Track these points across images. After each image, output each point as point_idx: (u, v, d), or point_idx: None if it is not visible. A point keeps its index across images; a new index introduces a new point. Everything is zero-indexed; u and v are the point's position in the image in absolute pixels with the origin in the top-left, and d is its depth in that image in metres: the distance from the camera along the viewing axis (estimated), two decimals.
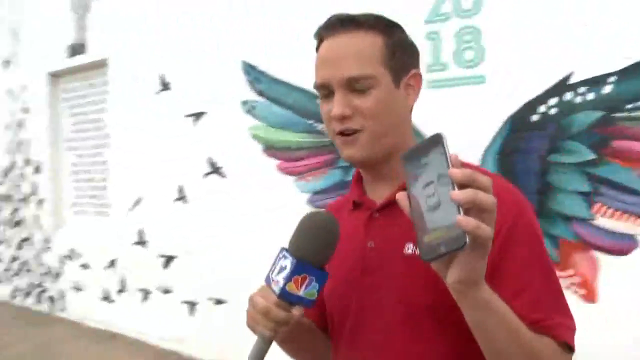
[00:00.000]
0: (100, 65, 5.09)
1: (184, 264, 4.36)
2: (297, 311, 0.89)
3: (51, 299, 5.82)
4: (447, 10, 2.88)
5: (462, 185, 0.65)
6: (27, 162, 6.03)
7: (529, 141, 2.68)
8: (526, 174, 2.70)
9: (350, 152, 0.99)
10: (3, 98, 6.25)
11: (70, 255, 5.52)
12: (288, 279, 0.86)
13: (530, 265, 0.90)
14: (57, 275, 5.71)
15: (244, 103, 3.82)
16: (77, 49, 5.30)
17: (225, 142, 3.96)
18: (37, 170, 5.90)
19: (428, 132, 2.83)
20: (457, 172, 0.66)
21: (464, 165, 0.80)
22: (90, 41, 5.16)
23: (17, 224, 6.28)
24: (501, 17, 2.71)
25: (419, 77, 1.03)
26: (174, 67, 4.33)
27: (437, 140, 0.69)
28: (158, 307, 4.61)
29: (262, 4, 3.74)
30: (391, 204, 0.96)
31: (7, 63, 6.23)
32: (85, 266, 5.36)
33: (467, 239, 0.64)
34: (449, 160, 0.67)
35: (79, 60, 5.29)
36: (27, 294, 6.17)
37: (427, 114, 2.89)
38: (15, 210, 6.28)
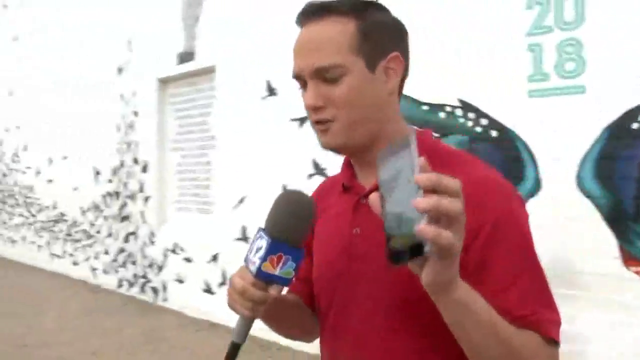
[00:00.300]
0: (208, 71, 5.64)
1: None
2: (274, 290, 0.92)
3: (154, 289, 6.42)
4: (549, 23, 3.14)
5: (429, 191, 0.65)
6: (135, 161, 6.69)
7: (628, 148, 2.89)
8: (624, 180, 2.92)
9: (324, 140, 1.00)
10: (115, 102, 6.95)
11: (174, 249, 6.09)
12: (263, 259, 0.89)
13: (516, 262, 0.91)
14: (161, 268, 6.30)
15: None
16: (185, 56, 5.87)
17: None
18: (145, 169, 6.54)
19: (529, 138, 3.12)
20: (421, 178, 0.65)
21: (450, 154, 0.96)
22: (199, 49, 5.71)
23: (124, 219, 6.96)
24: (602, 30, 2.95)
25: (399, 59, 0.99)
26: (279, 74, 4.77)
27: (405, 143, 0.69)
28: None
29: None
30: (373, 190, 1.00)
31: (120, 70, 6.93)
32: (187, 260, 5.90)
33: (427, 248, 0.65)
34: (415, 164, 0.67)
35: (188, 67, 5.85)
36: (132, 284, 6.82)
37: (528, 122, 3.17)
38: (123, 206, 6.96)
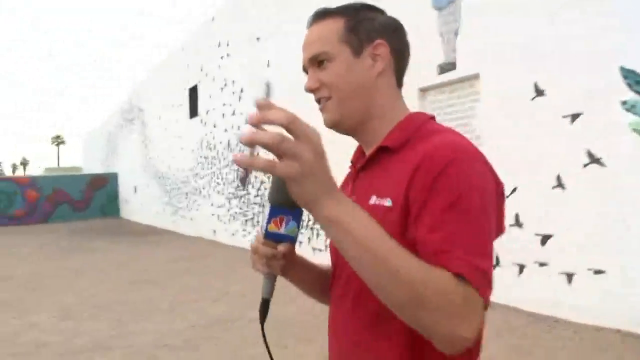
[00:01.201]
0: (470, 79, 6.50)
1: (561, 240, 5.43)
2: (282, 247, 1.11)
3: None
4: None
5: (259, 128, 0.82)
6: None
7: None
8: None
9: (325, 117, 1.20)
10: None
11: None
12: (268, 222, 1.09)
13: (452, 210, 0.96)
14: None
15: (623, 102, 4.76)
16: (446, 67, 6.79)
17: (604, 136, 4.93)
18: None
19: None
20: (250, 115, 0.81)
21: (432, 131, 1.12)
22: (460, 59, 6.59)
23: None
24: None
25: (384, 46, 1.18)
26: (546, 75, 5.45)
27: (266, 88, 1.17)
28: (533, 278, 5.77)
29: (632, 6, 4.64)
30: (367, 164, 1.20)
31: None
32: None
33: (242, 173, 1.15)
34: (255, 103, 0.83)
35: (449, 76, 6.77)
36: None
37: None
38: None
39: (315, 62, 1.18)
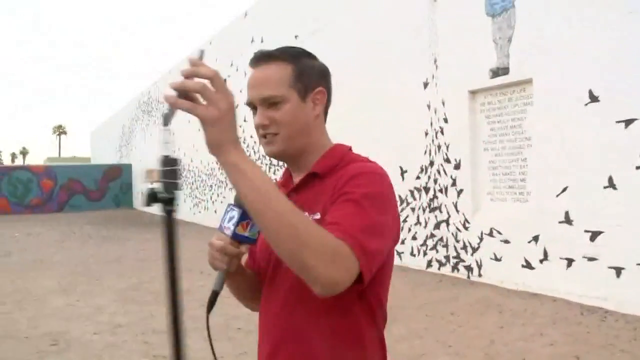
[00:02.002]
0: (522, 83, 7.03)
1: (611, 237, 5.97)
2: (244, 247, 1.31)
3: (468, 267, 7.99)
4: None
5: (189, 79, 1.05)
6: (447, 160, 8.33)
7: None
8: None
9: (269, 149, 1.39)
10: (422, 111, 8.68)
11: (490, 233, 7.59)
12: (237, 224, 1.26)
13: (350, 211, 1.23)
14: (476, 249, 7.85)
15: None
16: (498, 71, 7.32)
17: None
18: (457, 167, 8.14)
19: None
20: (182, 69, 1.04)
21: (353, 159, 1.40)
22: (513, 64, 7.11)
23: (433, 209, 8.65)
24: None
25: (322, 92, 1.42)
26: (601, 81, 5.97)
27: (200, 54, 1.10)
28: (582, 272, 6.31)
29: None
30: (299, 186, 1.42)
31: (425, 84, 8.64)
32: (505, 241, 7.36)
33: (167, 111, 1.06)
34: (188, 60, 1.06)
35: (501, 80, 7.29)
36: (442, 264, 8.49)
37: None
38: (432, 198, 8.66)
39: (266, 102, 1.36)
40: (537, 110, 6.90)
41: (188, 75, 1.04)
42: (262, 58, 1.39)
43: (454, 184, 8.30)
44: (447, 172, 8.42)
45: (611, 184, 5.99)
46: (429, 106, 8.68)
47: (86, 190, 28.79)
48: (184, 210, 20.35)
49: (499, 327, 5.67)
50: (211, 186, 17.84)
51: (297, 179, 1.45)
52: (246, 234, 1.28)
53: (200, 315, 6.52)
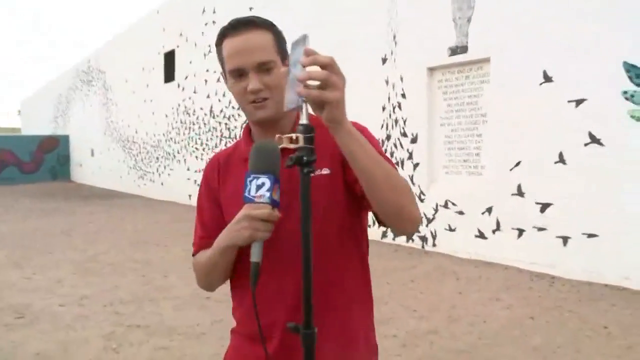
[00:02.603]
0: (480, 62, 7.41)
1: (560, 209, 6.47)
2: (277, 212, 1.31)
3: (422, 238, 8.42)
4: None
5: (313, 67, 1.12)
6: (404, 134, 8.68)
7: None
8: None
9: (262, 114, 1.45)
10: (381, 87, 8.98)
11: (445, 204, 8.02)
12: (271, 190, 1.28)
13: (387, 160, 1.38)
14: (431, 220, 8.27)
15: (624, 92, 5.77)
16: (456, 50, 7.68)
17: (604, 120, 5.95)
18: (414, 140, 8.51)
19: None
20: (304, 59, 1.13)
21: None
22: (472, 44, 7.48)
23: None
24: None
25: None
26: (555, 63, 6.41)
27: (303, 38, 1.14)
28: (532, 241, 6.82)
29: (636, 9, 5.64)
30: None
31: (384, 60, 8.93)
32: (460, 212, 7.81)
33: (301, 101, 1.12)
34: (304, 51, 1.10)
35: (459, 58, 7.66)
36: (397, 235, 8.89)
37: None
38: None
39: (261, 67, 1.42)
40: (493, 88, 7.31)
41: (308, 64, 1.12)
42: (242, 25, 1.44)
43: (410, 157, 8.67)
44: (403, 146, 8.78)
45: (561, 160, 6.47)
46: (387, 81, 8.98)
47: (19, 162, 27.89)
48: (127, 183, 20.12)
49: (457, 292, 6.10)
50: (157, 158, 17.71)
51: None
52: (276, 198, 1.29)
53: (168, 285, 6.61)
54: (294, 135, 1.17)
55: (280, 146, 1.23)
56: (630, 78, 5.75)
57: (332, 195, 1.45)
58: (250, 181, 1.29)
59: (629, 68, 5.75)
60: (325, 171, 1.44)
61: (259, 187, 1.28)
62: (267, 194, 1.27)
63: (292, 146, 1.17)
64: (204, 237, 1.58)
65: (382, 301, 5.81)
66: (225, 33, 1.46)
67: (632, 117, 5.75)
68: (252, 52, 1.41)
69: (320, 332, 1.25)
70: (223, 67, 1.51)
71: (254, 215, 1.29)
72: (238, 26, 1.44)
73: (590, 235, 6.21)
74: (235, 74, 1.44)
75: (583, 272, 6.28)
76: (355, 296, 1.55)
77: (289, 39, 1.38)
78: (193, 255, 1.63)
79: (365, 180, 1.28)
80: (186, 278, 7.02)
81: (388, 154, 8.77)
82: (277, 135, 1.24)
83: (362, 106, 9.38)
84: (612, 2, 5.95)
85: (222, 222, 1.51)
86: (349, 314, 1.52)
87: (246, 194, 1.29)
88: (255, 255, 1.30)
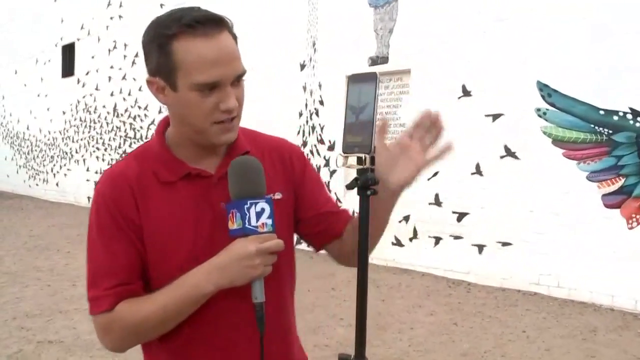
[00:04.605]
0: (400, 72, 7.68)
1: (476, 218, 6.83)
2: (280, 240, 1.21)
3: None
4: None
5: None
6: (321, 141, 8.81)
7: None
8: None
9: (230, 136, 1.23)
10: (299, 92, 9.08)
11: None
12: (272, 216, 1.18)
13: (322, 183, 1.46)
14: None
15: (538, 109, 6.19)
16: (377, 60, 7.91)
17: (519, 135, 6.36)
18: (331, 148, 8.66)
19: None
20: (429, 121, 1.25)
21: (259, 134, 1.40)
22: (392, 55, 7.74)
23: None
24: None
25: None
26: (473, 78, 6.76)
27: (374, 78, 1.08)
28: (448, 249, 7.15)
29: (551, 33, 6.08)
30: (226, 173, 1.23)
31: (302, 66, 9.03)
32: None
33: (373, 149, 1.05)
34: (377, 94, 1.07)
35: (379, 68, 7.89)
36: None
37: None
38: None
39: (237, 80, 1.20)
40: (412, 100, 7.58)
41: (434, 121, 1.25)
42: (214, 24, 1.17)
43: (327, 164, 8.81)
44: (320, 153, 8.90)
45: (478, 171, 6.84)
46: (304, 87, 9.08)
47: None
48: (17, 182, 18.95)
49: (380, 300, 6.28)
50: (52, 157, 16.82)
51: (199, 162, 1.28)
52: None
53: (78, 295, 6.16)
54: (363, 156, 1.10)
55: (344, 166, 1.13)
56: (543, 97, 6.18)
57: (284, 219, 1.33)
58: (248, 209, 1.16)
59: (542, 87, 6.18)
60: (278, 195, 1.32)
61: (259, 214, 1.16)
62: (270, 221, 1.17)
63: (357, 167, 1.12)
64: (124, 284, 1.21)
65: (307, 309, 5.87)
66: (186, 30, 1.15)
67: (544, 133, 6.18)
68: (230, 62, 1.17)
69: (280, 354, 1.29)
70: (172, 73, 1.17)
71: (267, 248, 1.16)
72: (207, 24, 1.15)
73: (505, 244, 6.60)
74: (206, 87, 1.16)
75: (497, 278, 6.67)
76: (292, 312, 1.47)
77: None
78: (104, 310, 1.21)
79: (375, 236, 1.30)
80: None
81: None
82: (339, 154, 1.15)
83: (278, 111, 9.47)
84: (528, 24, 6.37)
85: (144, 261, 1.24)
86: (294, 332, 1.47)
87: (246, 225, 1.16)
88: (260, 295, 1.19)
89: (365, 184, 1.12)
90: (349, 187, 1.15)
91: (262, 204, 1.16)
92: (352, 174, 1.12)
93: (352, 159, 1.11)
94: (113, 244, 1.22)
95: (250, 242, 1.15)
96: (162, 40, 1.16)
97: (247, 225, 1.15)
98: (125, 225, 1.22)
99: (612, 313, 5.73)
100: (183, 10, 1.18)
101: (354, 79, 1.17)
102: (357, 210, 1.11)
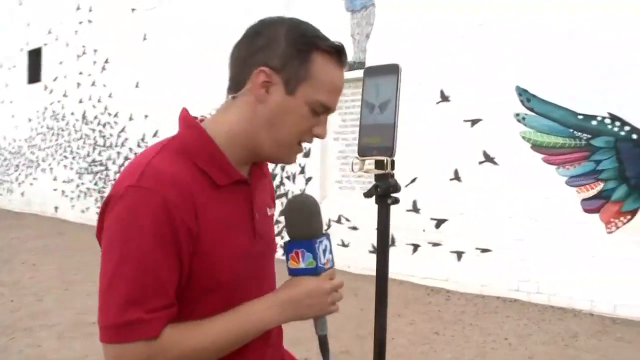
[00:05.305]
0: None
1: (454, 224, 6.78)
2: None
3: None
4: None
5: None
6: None
7: None
8: None
9: (295, 159, 1.29)
10: None
11: (338, 220, 8.12)
12: (332, 251, 1.23)
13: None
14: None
15: (517, 114, 6.17)
16: (354, 65, 7.83)
17: (498, 140, 6.33)
18: (307, 154, 8.55)
19: None
20: None
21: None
22: (369, 60, 7.67)
23: (280, 196, 9.00)
24: None
25: None
26: (452, 83, 6.72)
27: (394, 69, 0.98)
28: (427, 256, 7.08)
29: (530, 37, 6.07)
30: (251, 178, 1.28)
31: None
32: (353, 228, 7.94)
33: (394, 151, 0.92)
34: (399, 89, 0.95)
35: (355, 74, 7.79)
36: None
37: None
38: (279, 185, 9.00)
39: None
40: None
41: None
42: (345, 58, 1.24)
43: (302, 171, 8.70)
44: (296, 160, 8.77)
45: (456, 177, 6.79)
46: None
47: None
48: None
49: (359, 309, 6.15)
50: (17, 166, 16.40)
51: (245, 170, 1.28)
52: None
53: (43, 310, 5.89)
54: (386, 159, 1.01)
55: (361, 171, 1.11)
56: (522, 102, 6.16)
57: (273, 231, 1.40)
58: (318, 248, 1.18)
59: (521, 92, 6.17)
60: (271, 212, 1.37)
61: (324, 252, 1.20)
62: (331, 257, 1.22)
63: (376, 172, 1.04)
64: (169, 306, 1.10)
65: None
66: (331, 52, 1.20)
67: (524, 138, 6.17)
68: (339, 97, 1.24)
69: None
70: (300, 79, 1.17)
71: (338, 286, 1.24)
72: (344, 56, 1.23)
73: (484, 250, 6.56)
74: (320, 108, 1.19)
75: (476, 285, 6.62)
76: None
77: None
78: (150, 336, 1.06)
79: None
80: (64, 301, 6.50)
81: (279, 168, 8.58)
82: (354, 157, 1.10)
83: None
84: (507, 29, 6.36)
85: (180, 280, 1.13)
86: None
87: (319, 264, 1.18)
88: (325, 327, 1.26)
89: (386, 191, 1.05)
90: (367, 195, 1.09)
91: (325, 242, 1.20)
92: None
93: (370, 163, 1.03)
94: (168, 257, 1.09)
95: (324, 281, 1.21)
96: (307, 47, 1.18)
97: (319, 265, 1.17)
98: (183, 237, 1.10)
99: (592, 318, 5.71)
100: (319, 30, 1.24)
101: (370, 72, 1.07)
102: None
